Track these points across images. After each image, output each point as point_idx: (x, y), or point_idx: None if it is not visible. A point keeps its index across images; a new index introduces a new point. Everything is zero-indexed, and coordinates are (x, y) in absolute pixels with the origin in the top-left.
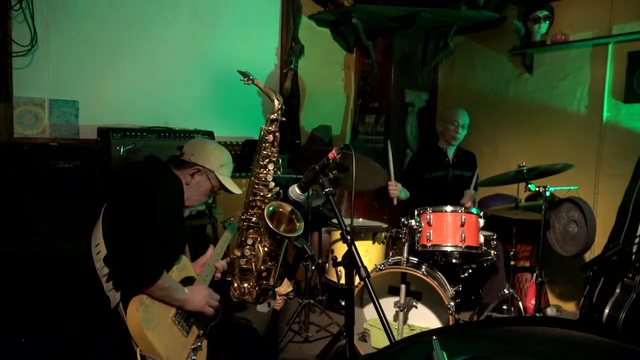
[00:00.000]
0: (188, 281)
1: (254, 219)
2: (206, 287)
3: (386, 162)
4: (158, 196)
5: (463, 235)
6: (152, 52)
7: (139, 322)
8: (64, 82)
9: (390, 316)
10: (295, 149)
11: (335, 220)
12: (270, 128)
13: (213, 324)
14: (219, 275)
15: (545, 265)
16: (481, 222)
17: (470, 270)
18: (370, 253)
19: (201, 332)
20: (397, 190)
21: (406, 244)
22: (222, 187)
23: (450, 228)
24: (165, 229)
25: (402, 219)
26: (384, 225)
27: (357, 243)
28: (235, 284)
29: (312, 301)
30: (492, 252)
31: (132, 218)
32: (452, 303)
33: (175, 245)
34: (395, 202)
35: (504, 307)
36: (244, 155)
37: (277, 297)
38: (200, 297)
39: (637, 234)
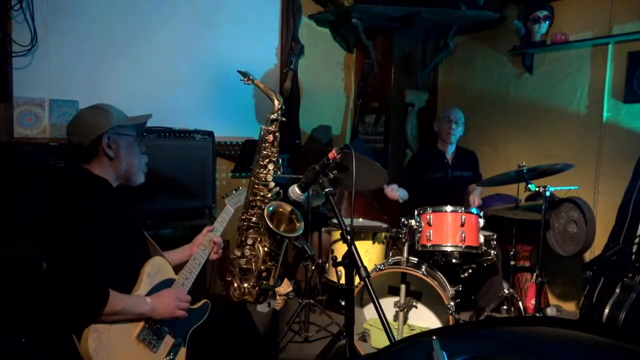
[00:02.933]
0: (164, 285)
1: (254, 219)
2: (172, 290)
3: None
4: (73, 213)
5: (463, 235)
6: (152, 52)
7: (88, 353)
8: (64, 82)
9: (390, 316)
10: (295, 149)
11: (335, 220)
12: (270, 128)
13: (197, 325)
14: (216, 254)
15: (545, 265)
16: (481, 222)
17: (470, 270)
18: (370, 253)
19: (178, 340)
20: (394, 191)
21: (406, 244)
22: (137, 127)
23: (450, 228)
24: (100, 243)
25: (402, 219)
26: (384, 225)
27: (357, 243)
28: (235, 284)
29: (312, 301)
30: (492, 252)
31: (56, 246)
32: (452, 303)
33: (123, 251)
34: (400, 200)
35: (504, 307)
36: (244, 155)
37: (277, 297)
38: (166, 303)
39: (637, 234)
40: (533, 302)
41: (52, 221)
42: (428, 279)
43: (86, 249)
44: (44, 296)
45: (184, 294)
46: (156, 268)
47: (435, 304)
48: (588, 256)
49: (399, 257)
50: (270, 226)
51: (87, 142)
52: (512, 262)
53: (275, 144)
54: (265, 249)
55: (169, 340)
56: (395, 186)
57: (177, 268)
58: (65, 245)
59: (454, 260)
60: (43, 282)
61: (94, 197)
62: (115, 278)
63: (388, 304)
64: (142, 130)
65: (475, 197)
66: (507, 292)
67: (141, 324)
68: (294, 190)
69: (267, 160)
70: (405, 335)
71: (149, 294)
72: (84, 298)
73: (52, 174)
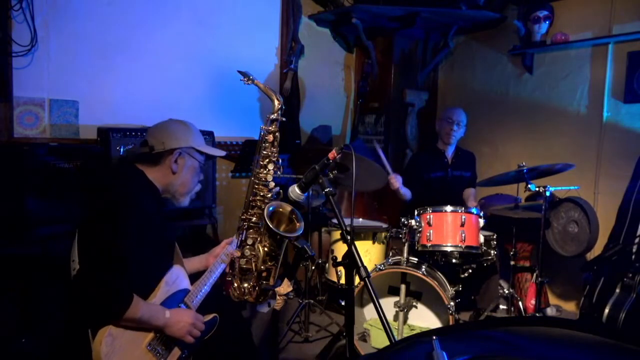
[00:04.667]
0: (179, 295)
1: (254, 219)
2: (192, 313)
3: (379, 161)
4: (119, 212)
5: (463, 235)
6: (152, 52)
7: (100, 357)
8: (64, 82)
9: (390, 316)
10: (295, 149)
11: (335, 220)
12: (270, 128)
13: (205, 338)
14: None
15: (545, 265)
16: (481, 222)
17: (470, 270)
18: (370, 253)
19: (185, 353)
20: (397, 182)
21: (406, 244)
22: (207, 156)
23: (450, 228)
24: (135, 245)
25: (402, 219)
26: (384, 225)
27: (357, 243)
28: (235, 284)
29: (312, 301)
30: (492, 252)
31: (92, 242)
32: (452, 303)
33: (153, 258)
34: (401, 193)
35: (504, 307)
36: (244, 155)
37: (277, 297)
38: (182, 324)
39: (637, 234)
40: (533, 302)
41: (99, 215)
42: (428, 279)
43: (123, 250)
44: (64, 291)
45: (201, 322)
46: (174, 276)
47: (435, 304)
48: (588, 256)
49: (399, 257)
50: (270, 226)
51: (160, 148)
52: (512, 262)
53: (275, 144)
54: (265, 249)
55: (176, 352)
56: (399, 176)
57: (192, 277)
58: (105, 244)
59: (454, 260)
60: (68, 275)
61: (145, 199)
62: (139, 281)
63: (388, 304)
64: (207, 161)
65: (472, 203)
66: (507, 292)
67: (152, 334)
68: (294, 190)
69: (267, 160)
70: (405, 335)
71: (164, 302)
72: (108, 299)
73: (105, 170)
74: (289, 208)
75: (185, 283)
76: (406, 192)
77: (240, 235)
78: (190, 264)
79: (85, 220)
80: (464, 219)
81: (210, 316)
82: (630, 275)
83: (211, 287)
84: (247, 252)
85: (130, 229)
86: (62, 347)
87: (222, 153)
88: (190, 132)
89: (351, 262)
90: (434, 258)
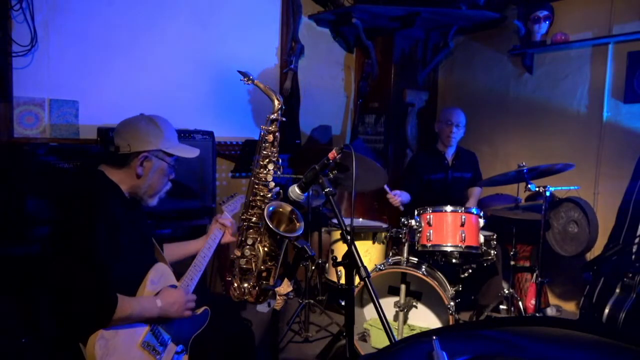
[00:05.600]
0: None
1: (254, 219)
2: (179, 290)
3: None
4: (83, 219)
5: (463, 235)
6: (152, 52)
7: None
8: (64, 82)
9: (390, 316)
10: (295, 149)
11: (335, 220)
12: (270, 128)
13: (199, 332)
14: (228, 237)
15: (545, 265)
16: (481, 222)
17: (470, 270)
18: (370, 253)
19: (180, 347)
20: (397, 197)
21: (406, 244)
22: (177, 158)
23: (450, 228)
24: (108, 249)
25: (402, 219)
26: (384, 225)
27: (357, 243)
28: (235, 284)
29: (312, 301)
30: (492, 252)
31: (64, 255)
32: (452, 303)
33: (131, 258)
34: (401, 207)
35: (504, 307)
36: (244, 155)
37: (277, 297)
38: (177, 305)
39: (637, 234)
40: (533, 302)
41: (65, 223)
42: (428, 279)
43: (98, 254)
44: (49, 299)
45: (191, 294)
46: (159, 274)
47: (435, 304)
48: (588, 256)
49: (399, 257)
50: (271, 226)
51: (126, 150)
52: (512, 262)
53: (275, 144)
54: (265, 249)
55: (171, 348)
56: (398, 192)
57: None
58: (78, 250)
59: (454, 260)
60: (50, 286)
61: (109, 201)
62: (120, 282)
63: (388, 304)
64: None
65: (470, 202)
66: (507, 292)
67: (145, 332)
68: (294, 190)
69: (267, 160)
70: (405, 335)
71: None
72: (93, 305)
73: (66, 175)
74: (289, 208)
75: (171, 280)
76: (405, 200)
77: (240, 236)
78: (187, 248)
79: (52, 234)
80: (464, 219)
81: (202, 309)
82: (630, 275)
83: (203, 271)
84: (247, 252)
85: (99, 235)
86: (56, 353)
87: (195, 153)
88: (159, 132)
89: (351, 262)
90: (434, 258)
